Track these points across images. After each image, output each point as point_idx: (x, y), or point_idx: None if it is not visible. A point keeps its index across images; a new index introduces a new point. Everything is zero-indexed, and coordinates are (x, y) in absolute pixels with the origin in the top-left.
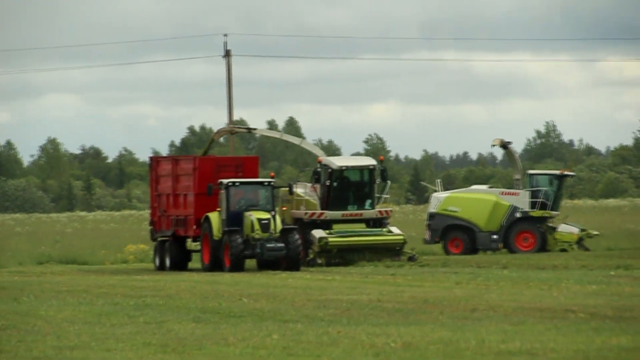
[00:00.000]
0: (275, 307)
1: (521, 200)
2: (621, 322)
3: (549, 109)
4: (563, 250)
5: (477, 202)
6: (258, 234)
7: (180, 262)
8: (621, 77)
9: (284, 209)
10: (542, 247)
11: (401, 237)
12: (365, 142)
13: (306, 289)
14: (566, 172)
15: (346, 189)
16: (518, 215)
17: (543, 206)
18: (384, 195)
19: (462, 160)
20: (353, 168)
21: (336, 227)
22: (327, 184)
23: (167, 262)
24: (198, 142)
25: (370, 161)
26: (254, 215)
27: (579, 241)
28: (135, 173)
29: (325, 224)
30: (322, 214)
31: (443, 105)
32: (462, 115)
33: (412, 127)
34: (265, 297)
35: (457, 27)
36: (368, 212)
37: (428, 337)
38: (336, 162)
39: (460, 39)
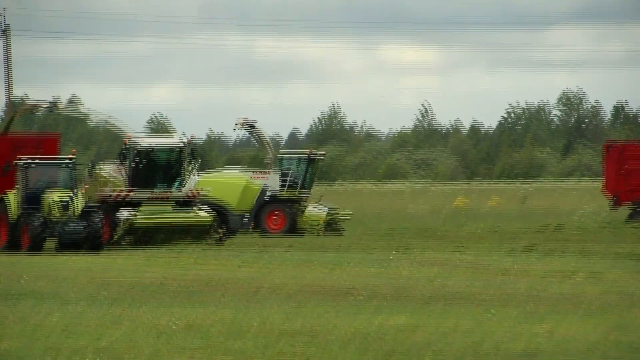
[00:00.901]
0: (55, 287)
1: (271, 181)
2: (399, 303)
3: (331, 93)
4: (310, 231)
5: (228, 184)
6: (57, 214)
7: None
8: (400, 63)
9: (85, 188)
10: (292, 228)
11: (209, 218)
12: (149, 122)
13: (89, 269)
14: (314, 153)
15: (154, 169)
16: (267, 196)
17: (292, 187)
18: (194, 176)
19: (246, 141)
20: (161, 147)
21: (144, 208)
22: (135, 163)
23: None
24: None
25: (178, 140)
26: (53, 196)
27: (330, 223)
28: None
29: (133, 205)
30: (129, 194)
31: (225, 86)
32: (244, 97)
33: (195, 108)
34: (45, 278)
35: (237, 10)
36: (177, 193)
37: (211, 318)
38: (144, 141)
39: (240, 21)
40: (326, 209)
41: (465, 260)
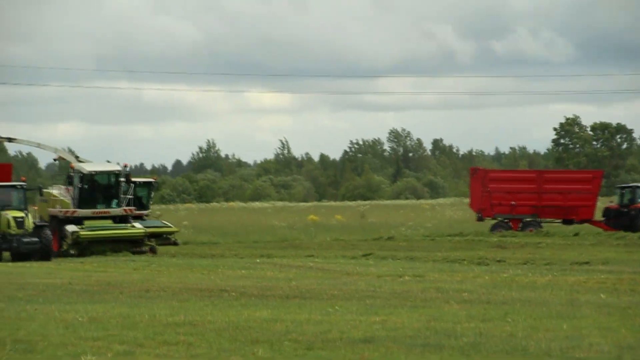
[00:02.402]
0: None
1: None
2: (264, 299)
3: (206, 129)
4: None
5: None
6: (14, 230)
7: None
8: (260, 105)
9: (36, 208)
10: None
11: (142, 231)
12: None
13: (8, 274)
14: (145, 180)
15: (96, 190)
16: None
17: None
18: (128, 196)
19: (139, 170)
20: (101, 172)
21: (87, 223)
22: (79, 186)
23: None
24: None
25: (116, 167)
26: (10, 214)
27: (158, 235)
28: None
29: (78, 220)
30: (75, 211)
31: (118, 125)
32: (133, 133)
33: (93, 142)
34: None
35: (127, 62)
36: (115, 210)
37: (110, 313)
38: (87, 167)
39: (130, 72)
40: (142, 225)
41: (316, 264)
